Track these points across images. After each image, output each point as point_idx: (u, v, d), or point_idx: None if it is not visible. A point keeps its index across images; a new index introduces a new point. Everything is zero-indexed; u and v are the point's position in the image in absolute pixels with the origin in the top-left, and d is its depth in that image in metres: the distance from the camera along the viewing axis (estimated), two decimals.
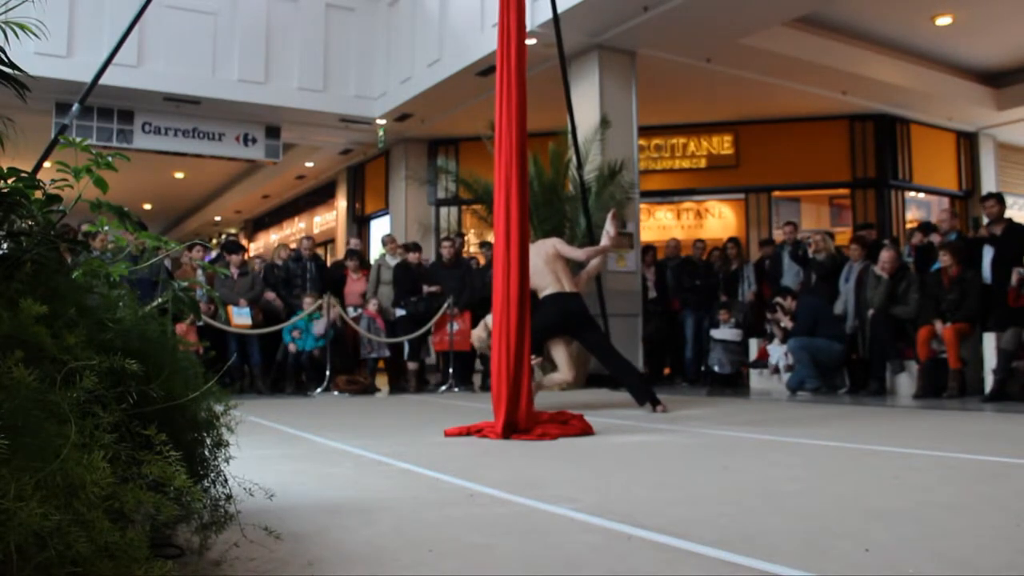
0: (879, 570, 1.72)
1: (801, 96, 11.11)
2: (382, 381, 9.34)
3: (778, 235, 10.87)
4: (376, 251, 11.15)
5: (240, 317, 8.41)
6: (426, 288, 8.99)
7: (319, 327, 8.62)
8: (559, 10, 7.67)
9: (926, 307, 7.27)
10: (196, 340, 7.11)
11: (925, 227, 8.53)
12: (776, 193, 12.68)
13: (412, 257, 9.26)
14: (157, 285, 6.01)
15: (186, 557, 1.77)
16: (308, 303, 8.65)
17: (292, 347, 8.63)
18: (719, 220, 12.98)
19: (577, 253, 6.10)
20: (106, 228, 2.20)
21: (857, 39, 10.35)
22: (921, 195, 12.96)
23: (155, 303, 2.08)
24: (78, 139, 2.11)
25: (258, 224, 20.89)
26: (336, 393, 8.36)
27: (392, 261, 9.41)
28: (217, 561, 1.78)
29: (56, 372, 1.42)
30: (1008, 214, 7.56)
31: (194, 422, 1.87)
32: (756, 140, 12.37)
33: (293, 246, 11.02)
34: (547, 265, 5.78)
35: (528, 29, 6.04)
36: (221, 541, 1.83)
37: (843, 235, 11.35)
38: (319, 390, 8.39)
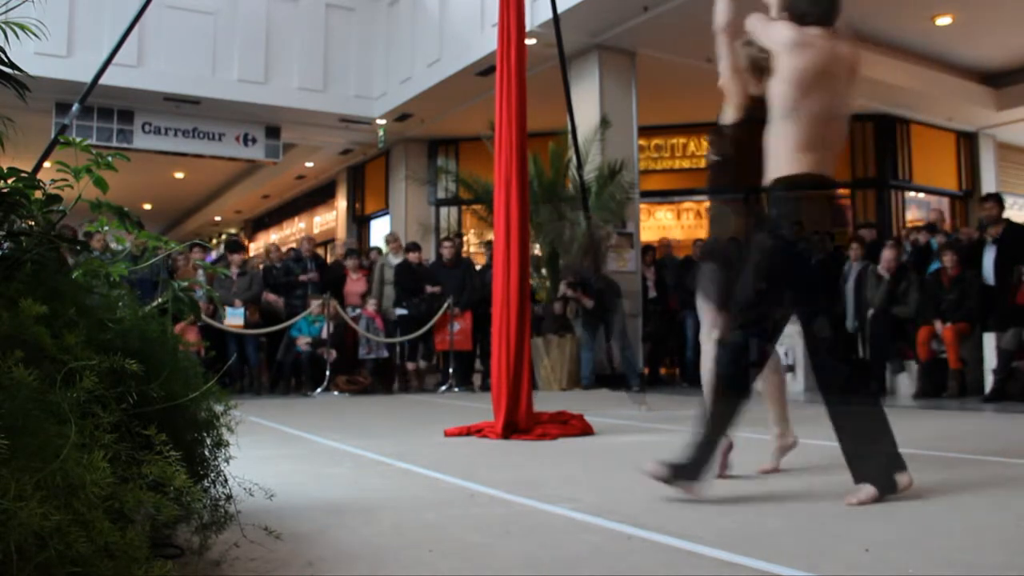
0: (879, 570, 1.72)
1: None
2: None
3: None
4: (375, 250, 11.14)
5: (233, 318, 8.40)
6: (428, 288, 9.00)
7: (303, 341, 8.62)
8: (559, 10, 7.62)
9: (926, 307, 7.27)
10: (197, 340, 7.11)
11: (930, 227, 8.56)
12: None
13: (412, 257, 9.27)
14: (157, 285, 6.01)
15: (186, 557, 1.77)
16: (315, 306, 8.65)
17: (303, 340, 8.61)
18: None
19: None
20: (106, 228, 2.20)
21: (857, 39, 10.34)
22: (921, 195, 12.95)
23: (155, 303, 2.08)
24: (78, 139, 2.11)
25: (258, 224, 20.88)
26: (336, 393, 8.36)
27: (394, 260, 9.42)
28: (217, 561, 1.77)
29: (56, 372, 1.42)
30: (1008, 214, 7.56)
31: (194, 422, 1.87)
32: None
33: (285, 248, 11.02)
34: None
35: (528, 29, 6.03)
36: (221, 541, 1.83)
37: (843, 235, 11.34)
38: (319, 390, 8.39)
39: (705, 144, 12.52)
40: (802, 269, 2.61)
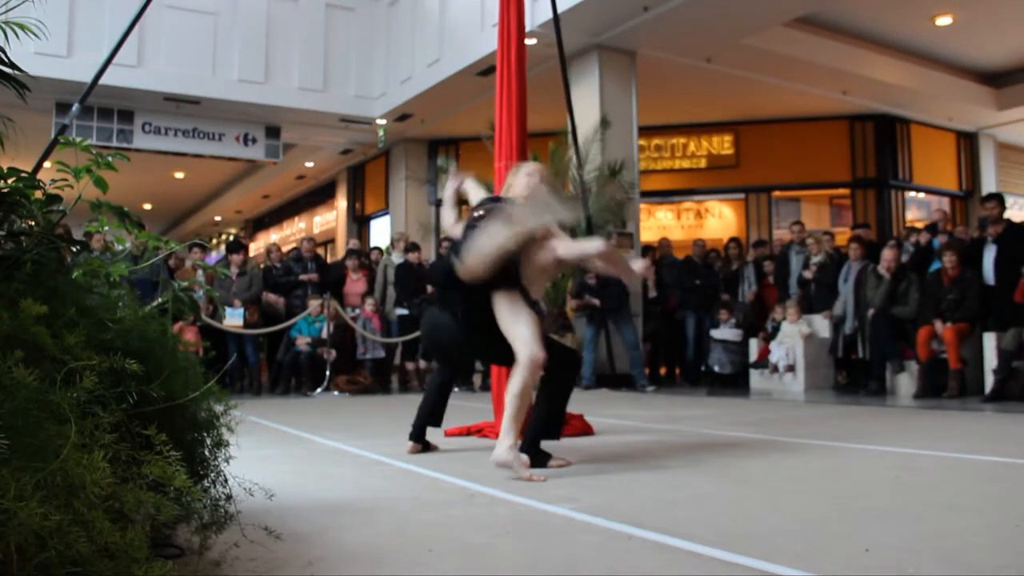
0: (879, 570, 1.72)
1: (801, 96, 11.11)
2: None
3: (786, 235, 10.84)
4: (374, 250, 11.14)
5: (232, 318, 8.41)
6: (429, 288, 9.00)
7: (303, 341, 8.64)
8: (559, 10, 7.62)
9: (926, 307, 7.26)
10: (196, 340, 7.11)
11: (932, 228, 8.56)
12: (776, 193, 12.67)
13: (412, 257, 9.28)
14: (157, 285, 6.01)
15: (186, 557, 1.77)
16: (314, 306, 8.66)
17: (302, 340, 8.62)
18: (719, 220, 12.98)
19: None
20: (106, 228, 2.21)
21: (857, 39, 10.35)
22: (921, 195, 12.96)
23: (155, 303, 2.08)
24: (78, 139, 2.11)
25: (258, 224, 20.89)
26: (336, 393, 8.36)
27: (399, 260, 9.44)
28: (217, 561, 1.77)
29: (56, 372, 1.42)
30: (1008, 214, 7.56)
31: (194, 422, 1.87)
32: (756, 140, 12.37)
33: (286, 248, 11.00)
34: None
35: (528, 29, 6.04)
36: (221, 541, 1.83)
37: (843, 235, 11.35)
38: (319, 390, 8.39)
39: (705, 145, 12.59)
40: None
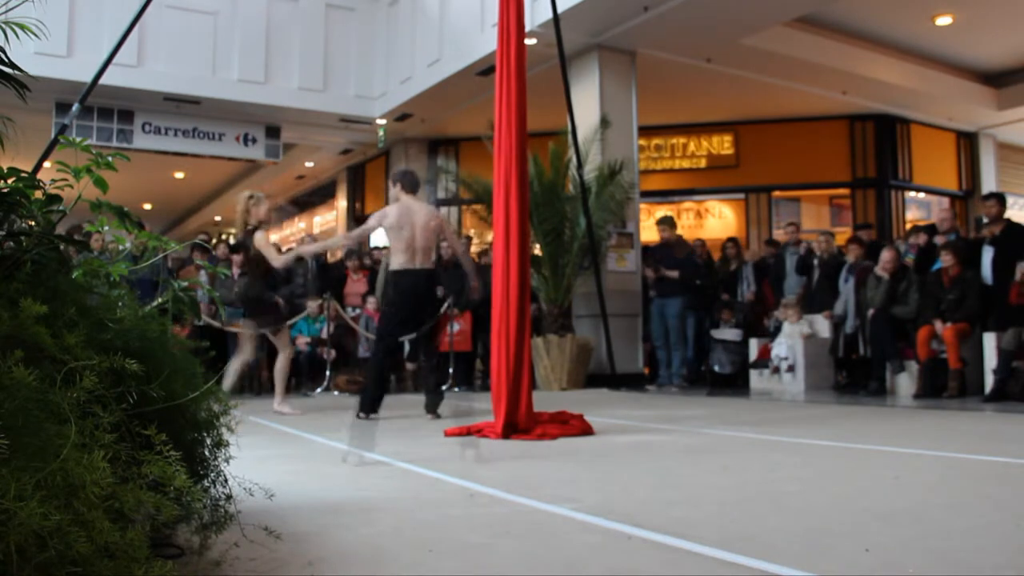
0: (879, 570, 1.72)
1: (801, 96, 11.11)
2: None
3: (781, 235, 10.84)
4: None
5: (233, 318, 8.40)
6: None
7: (303, 341, 8.66)
8: (559, 10, 7.68)
9: (926, 307, 7.26)
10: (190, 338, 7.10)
11: (930, 229, 8.53)
12: (776, 193, 12.67)
13: None
14: (157, 285, 6.01)
15: (186, 557, 1.77)
16: (313, 307, 8.67)
17: (302, 340, 8.64)
18: (719, 220, 12.98)
19: (456, 245, 7.05)
20: (106, 228, 2.21)
21: (857, 39, 10.35)
22: (921, 195, 12.96)
23: (155, 303, 2.08)
24: (78, 139, 2.11)
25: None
26: (336, 393, 8.36)
27: None
28: (217, 561, 1.77)
29: (56, 372, 1.42)
30: (1008, 214, 7.55)
31: (194, 422, 1.87)
32: (756, 140, 12.37)
33: (286, 248, 10.99)
34: (423, 234, 5.88)
35: (528, 29, 6.03)
36: (221, 541, 1.83)
37: (843, 235, 11.36)
38: (319, 390, 8.39)
39: (705, 145, 12.58)
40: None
